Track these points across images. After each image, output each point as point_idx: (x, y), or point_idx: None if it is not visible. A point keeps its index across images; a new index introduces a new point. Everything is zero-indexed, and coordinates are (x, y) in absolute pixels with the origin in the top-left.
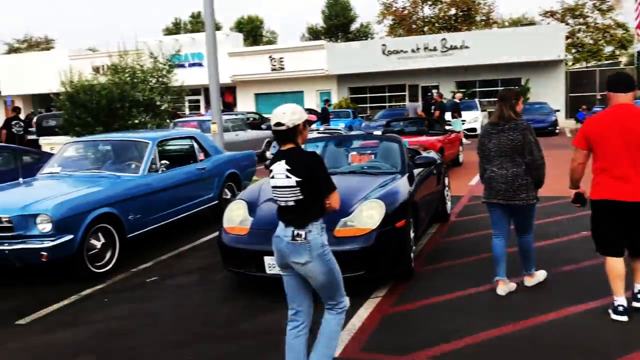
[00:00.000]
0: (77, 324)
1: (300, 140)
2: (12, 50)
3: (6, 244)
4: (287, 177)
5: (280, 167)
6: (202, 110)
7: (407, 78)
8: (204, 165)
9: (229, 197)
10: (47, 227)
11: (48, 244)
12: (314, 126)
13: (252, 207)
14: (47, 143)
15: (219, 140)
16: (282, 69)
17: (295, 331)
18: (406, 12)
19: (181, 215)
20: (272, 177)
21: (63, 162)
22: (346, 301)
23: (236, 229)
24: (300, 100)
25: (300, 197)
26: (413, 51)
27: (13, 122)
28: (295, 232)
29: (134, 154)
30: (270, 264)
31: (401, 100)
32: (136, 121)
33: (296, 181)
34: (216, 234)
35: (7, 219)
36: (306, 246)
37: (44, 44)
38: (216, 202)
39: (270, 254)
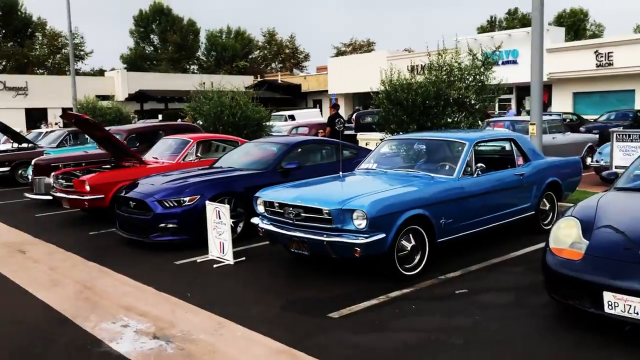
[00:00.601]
0: (383, 328)
1: None
2: (339, 53)
3: (324, 235)
4: None
5: None
6: (509, 109)
7: None
8: (523, 171)
9: (546, 208)
10: (362, 224)
11: (362, 240)
12: None
13: (586, 228)
14: (363, 138)
15: (538, 143)
16: (610, 64)
17: None
18: None
19: (494, 224)
20: None
21: (379, 158)
22: None
23: (566, 251)
24: (629, 100)
25: None
26: None
27: (336, 120)
28: None
29: (449, 154)
30: (612, 302)
31: None
32: (449, 120)
33: None
34: (531, 248)
35: (327, 212)
36: None
37: (366, 47)
38: (532, 212)
39: (611, 289)
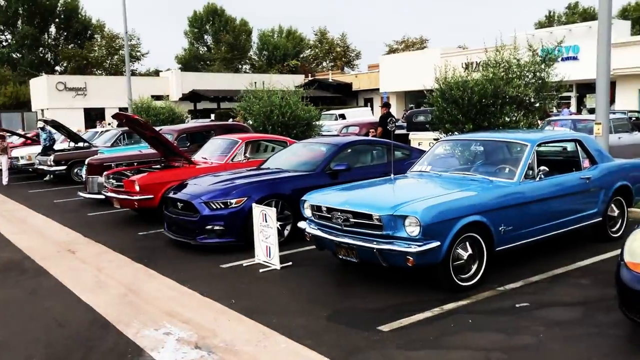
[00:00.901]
0: (437, 344)
1: None
2: (392, 50)
3: (375, 242)
4: None
5: None
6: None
7: None
8: (589, 175)
9: (615, 214)
10: (415, 231)
11: (415, 248)
12: None
13: None
14: (415, 138)
15: (604, 144)
16: None
17: None
18: None
19: (557, 232)
20: None
21: (433, 160)
22: None
23: None
24: None
25: None
26: None
27: (388, 119)
28: None
29: (509, 156)
30: None
31: None
32: (507, 119)
33: None
34: (599, 257)
35: (378, 218)
36: None
37: (419, 44)
38: (599, 219)
39: None
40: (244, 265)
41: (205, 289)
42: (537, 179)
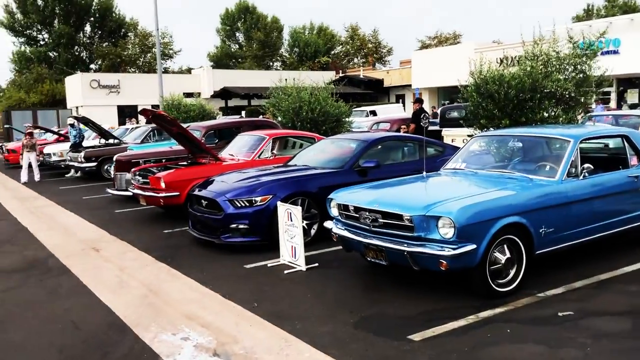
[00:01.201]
0: (473, 357)
1: None
2: (424, 46)
3: (405, 245)
4: None
5: None
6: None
7: None
8: (638, 173)
9: None
10: (449, 233)
11: (449, 251)
12: None
13: None
14: (448, 134)
15: None
16: None
17: None
18: None
19: (602, 234)
20: None
21: (468, 157)
22: None
23: None
24: None
25: None
26: None
27: (421, 116)
28: None
29: (549, 153)
30: None
31: None
32: (545, 114)
33: None
34: None
35: (409, 218)
36: None
37: (452, 39)
38: None
39: None
40: (269, 265)
41: (227, 290)
42: (581, 177)
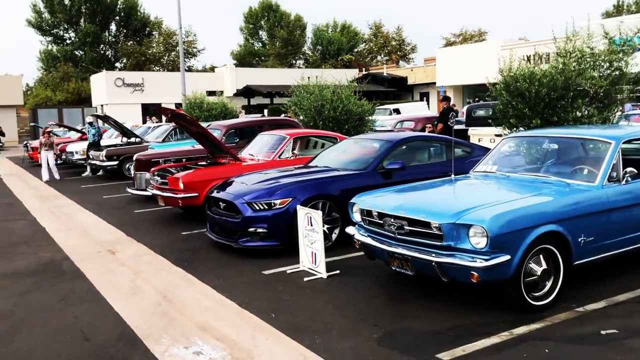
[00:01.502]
0: None
1: None
2: (448, 44)
3: (433, 255)
4: None
5: None
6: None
7: None
8: None
9: None
10: (481, 243)
11: (481, 263)
12: None
13: None
14: (475, 134)
15: None
16: None
17: None
18: None
19: None
20: None
21: (499, 159)
22: None
23: None
24: None
25: None
26: None
27: (450, 115)
28: None
29: (588, 155)
30: None
31: None
32: (578, 114)
33: None
34: None
35: (437, 226)
36: None
37: (477, 37)
38: None
39: None
40: (288, 272)
41: (244, 298)
42: (623, 181)
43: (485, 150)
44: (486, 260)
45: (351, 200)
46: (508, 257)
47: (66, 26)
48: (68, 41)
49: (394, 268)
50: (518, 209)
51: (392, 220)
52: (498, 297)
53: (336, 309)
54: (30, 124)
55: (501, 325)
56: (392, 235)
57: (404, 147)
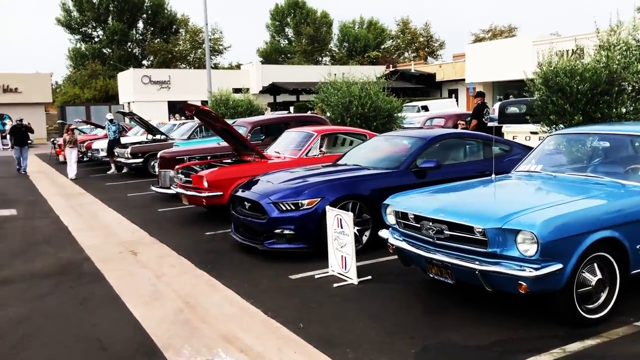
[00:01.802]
0: None
1: None
2: (478, 40)
3: (476, 262)
4: None
5: None
6: None
7: None
8: None
9: None
10: (531, 250)
11: (530, 272)
12: None
13: None
14: (509, 131)
15: None
16: None
17: None
18: None
19: None
20: None
21: (543, 158)
22: None
23: None
24: None
25: None
26: None
27: (484, 111)
28: None
29: None
30: None
31: None
32: (623, 110)
33: None
34: None
35: (481, 231)
36: None
37: (507, 32)
38: None
39: None
40: (316, 277)
41: (270, 306)
42: None
43: (525, 148)
44: (536, 269)
45: (385, 202)
46: (560, 265)
47: (94, 24)
48: (96, 39)
49: (431, 275)
50: (571, 213)
51: (431, 224)
52: (547, 310)
53: (369, 319)
54: (58, 121)
55: (552, 341)
56: (431, 240)
57: (438, 144)
